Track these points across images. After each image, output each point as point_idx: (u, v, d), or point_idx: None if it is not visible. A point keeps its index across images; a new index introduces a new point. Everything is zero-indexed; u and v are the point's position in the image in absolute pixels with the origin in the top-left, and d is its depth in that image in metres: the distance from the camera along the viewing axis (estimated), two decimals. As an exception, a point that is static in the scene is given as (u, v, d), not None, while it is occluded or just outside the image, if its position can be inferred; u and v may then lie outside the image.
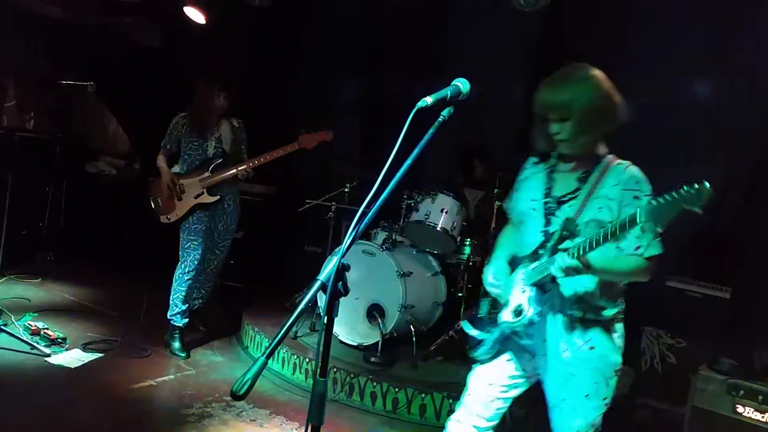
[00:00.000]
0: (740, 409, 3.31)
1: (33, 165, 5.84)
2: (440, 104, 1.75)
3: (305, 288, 5.19)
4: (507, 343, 2.28)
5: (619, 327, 2.18)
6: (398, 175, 1.64)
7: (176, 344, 4.28)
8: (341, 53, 6.21)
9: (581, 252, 1.88)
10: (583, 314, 2.10)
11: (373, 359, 4.19)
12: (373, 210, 1.52)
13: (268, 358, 1.31)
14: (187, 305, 4.33)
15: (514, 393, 2.33)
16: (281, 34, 6.38)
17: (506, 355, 2.30)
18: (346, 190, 5.15)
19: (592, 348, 2.10)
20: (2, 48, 6.18)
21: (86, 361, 3.89)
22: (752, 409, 3.28)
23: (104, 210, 6.58)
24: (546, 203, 2.19)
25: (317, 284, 1.46)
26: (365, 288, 4.37)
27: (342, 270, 1.47)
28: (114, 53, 6.74)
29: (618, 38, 4.74)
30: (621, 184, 2.06)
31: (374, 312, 4.32)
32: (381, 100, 6.15)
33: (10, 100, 6.45)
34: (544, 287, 2.10)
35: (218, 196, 4.31)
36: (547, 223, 2.15)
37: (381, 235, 4.75)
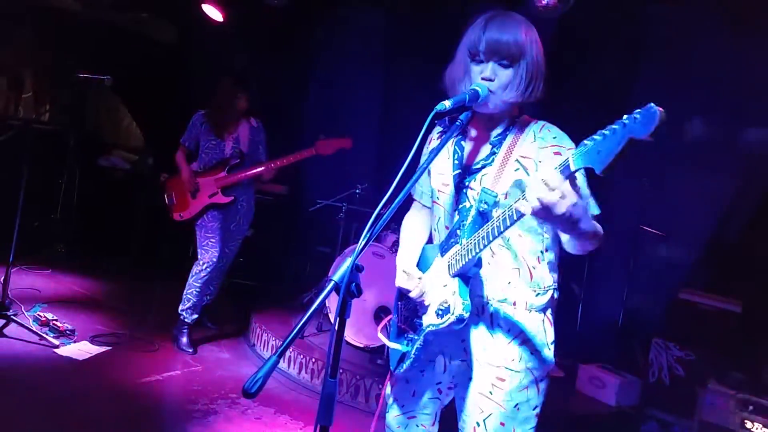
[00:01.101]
0: (749, 424, 3.28)
1: (47, 157, 5.89)
2: (458, 108, 1.75)
3: (314, 288, 5.21)
4: (428, 351, 1.95)
5: (550, 316, 1.86)
6: (414, 177, 1.64)
7: (184, 339, 4.28)
8: (357, 54, 6.21)
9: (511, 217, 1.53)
10: (512, 303, 1.81)
11: (379, 361, 4.19)
12: (389, 212, 1.51)
13: (279, 357, 1.31)
14: (199, 301, 4.33)
15: (426, 419, 2.02)
16: (298, 33, 6.39)
17: (421, 370, 1.99)
18: (357, 191, 5.16)
19: (522, 344, 1.80)
20: (20, 40, 6.24)
21: (94, 353, 3.91)
22: (761, 426, 3.25)
23: (116, 204, 6.61)
24: (458, 176, 1.89)
25: (331, 284, 1.45)
26: (373, 290, 4.37)
27: (356, 271, 1.46)
28: (131, 48, 6.77)
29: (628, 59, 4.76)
30: (538, 141, 1.79)
31: (382, 314, 4.31)
32: (397, 103, 6.14)
33: (26, 91, 6.51)
34: (467, 276, 1.78)
35: (232, 197, 4.31)
36: (460, 200, 1.86)
37: (391, 238, 4.74)
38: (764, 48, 4.20)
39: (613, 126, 1.30)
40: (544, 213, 1.42)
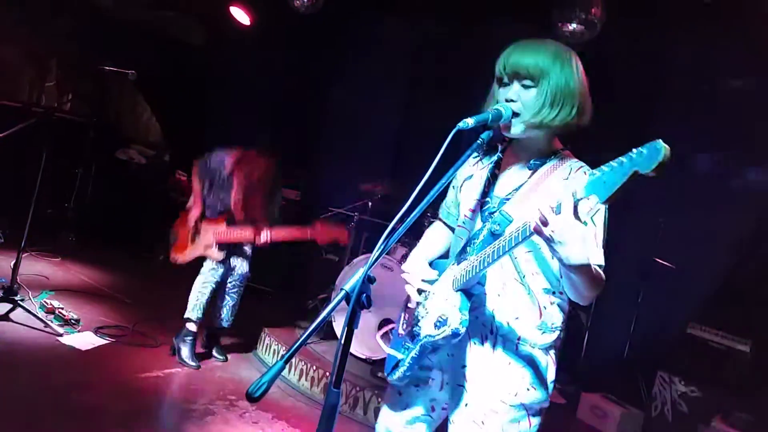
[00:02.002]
0: (752, 467, 3.23)
1: (65, 146, 5.94)
2: (480, 127, 1.74)
3: (319, 295, 5.20)
4: (424, 366, 1.95)
5: (554, 356, 1.85)
6: (432, 192, 1.64)
7: (185, 351, 4.05)
8: (379, 68, 6.24)
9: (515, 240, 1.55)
10: (517, 338, 1.80)
11: (380, 374, 4.16)
12: (405, 225, 1.51)
13: (286, 363, 1.30)
14: (202, 308, 4.14)
15: None
16: (323, 42, 6.42)
17: (415, 385, 1.98)
18: (370, 202, 5.17)
19: (522, 379, 1.79)
20: (48, 29, 6.33)
21: (97, 344, 3.92)
22: (764, 469, 3.19)
23: (130, 197, 6.65)
24: (486, 203, 1.88)
25: (342, 294, 1.44)
26: (379, 302, 4.34)
27: (367, 282, 1.45)
28: (157, 46, 6.85)
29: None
30: (570, 180, 1.74)
31: (386, 326, 4.28)
32: (417, 117, 6.16)
33: (51, 80, 6.59)
34: (470, 292, 1.79)
35: (224, 253, 4.17)
36: (483, 224, 1.85)
37: (401, 251, 4.73)
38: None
39: (621, 158, 1.32)
40: (540, 228, 1.45)
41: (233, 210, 4.24)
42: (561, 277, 1.81)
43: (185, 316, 4.14)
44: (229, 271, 4.28)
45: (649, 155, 1.26)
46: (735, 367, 3.95)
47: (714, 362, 4.02)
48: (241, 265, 4.34)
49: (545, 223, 1.44)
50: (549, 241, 1.48)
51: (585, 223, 1.45)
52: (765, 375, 3.97)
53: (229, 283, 4.31)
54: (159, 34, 6.89)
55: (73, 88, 6.81)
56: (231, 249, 4.26)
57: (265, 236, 4.08)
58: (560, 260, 1.54)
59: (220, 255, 4.15)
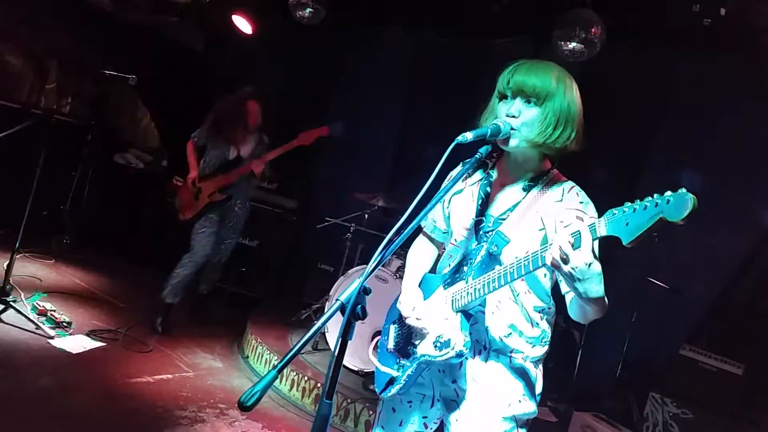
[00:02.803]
0: (742, 490, 3.22)
1: (63, 148, 5.92)
2: (479, 141, 1.76)
3: (312, 304, 5.18)
4: (417, 383, 1.94)
5: (541, 368, 1.89)
6: (429, 205, 1.65)
7: (159, 319, 4.51)
8: (379, 80, 6.27)
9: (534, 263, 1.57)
10: (509, 352, 1.82)
11: (372, 387, 4.14)
12: (401, 237, 1.52)
13: (279, 372, 1.30)
14: (179, 284, 4.55)
15: None
16: (324, 53, 6.45)
17: (408, 401, 1.99)
18: (366, 213, 5.17)
19: (514, 392, 1.82)
20: (50, 31, 6.33)
21: (88, 348, 3.89)
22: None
23: (126, 202, 6.63)
24: (479, 221, 1.88)
25: (337, 304, 1.44)
26: (373, 313, 4.32)
27: (363, 293, 1.46)
28: (158, 51, 6.86)
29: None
30: (564, 202, 1.78)
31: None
32: (415, 129, 6.17)
33: (51, 82, 6.58)
34: (469, 313, 1.80)
35: (228, 194, 4.62)
36: (478, 243, 1.86)
37: (396, 263, 4.73)
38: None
39: (644, 202, 1.34)
40: (559, 263, 1.46)
41: (233, 144, 4.66)
42: (549, 294, 1.87)
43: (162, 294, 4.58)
44: (211, 252, 4.70)
45: (677, 204, 1.28)
46: (727, 390, 3.94)
47: (707, 385, 4.02)
48: (224, 249, 4.94)
49: (566, 261, 1.45)
50: (568, 277, 1.49)
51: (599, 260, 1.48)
52: (757, 398, 3.97)
53: (213, 260, 4.87)
54: (160, 39, 6.91)
55: (73, 91, 6.80)
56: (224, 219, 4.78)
57: (257, 164, 4.54)
58: (578, 294, 1.54)
59: (224, 195, 4.63)
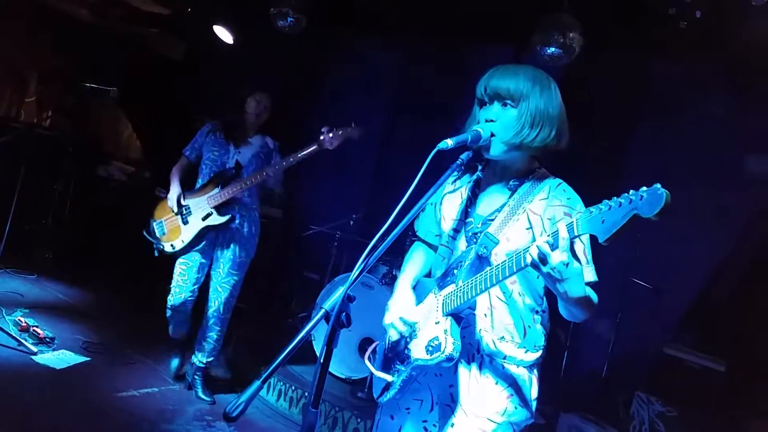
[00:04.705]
0: (728, 486, 3.25)
1: (45, 162, 5.88)
2: (460, 148, 1.78)
3: (300, 314, 5.17)
4: (414, 389, 1.97)
5: (536, 373, 1.88)
6: (413, 211, 1.66)
7: (173, 363, 4.13)
8: (363, 89, 6.29)
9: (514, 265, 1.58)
10: (503, 357, 1.82)
11: (359, 394, 4.14)
12: (385, 244, 1.53)
13: (264, 382, 1.30)
14: (175, 333, 4.06)
15: None
16: (307, 63, 6.45)
17: (406, 408, 2.00)
18: (351, 221, 5.17)
19: (509, 397, 1.81)
20: (29, 44, 6.28)
21: (72, 363, 3.85)
22: (740, 488, 3.22)
23: (109, 215, 6.58)
24: (468, 223, 1.91)
25: (321, 312, 1.45)
26: (360, 320, 4.32)
27: (347, 301, 1.46)
28: (139, 62, 6.83)
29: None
30: (551, 198, 1.79)
31: (366, 345, 4.26)
32: (398, 136, 6.19)
33: (30, 95, 6.53)
34: (459, 316, 1.82)
35: (229, 216, 3.69)
36: (468, 245, 1.88)
37: (382, 269, 4.73)
38: (764, 111, 4.29)
39: (619, 199, 1.37)
40: (538, 263, 1.48)
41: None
42: (543, 296, 1.88)
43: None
44: (191, 297, 3.87)
45: (650, 200, 1.30)
46: (710, 386, 3.99)
47: (691, 382, 4.06)
48: (216, 296, 3.94)
49: (544, 261, 1.47)
50: (548, 278, 1.51)
51: (579, 261, 1.50)
52: (739, 394, 4.02)
53: (210, 311, 3.97)
54: (141, 50, 6.89)
55: (53, 104, 6.75)
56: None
57: (271, 175, 3.67)
58: (559, 295, 1.57)
59: (224, 218, 3.67)
